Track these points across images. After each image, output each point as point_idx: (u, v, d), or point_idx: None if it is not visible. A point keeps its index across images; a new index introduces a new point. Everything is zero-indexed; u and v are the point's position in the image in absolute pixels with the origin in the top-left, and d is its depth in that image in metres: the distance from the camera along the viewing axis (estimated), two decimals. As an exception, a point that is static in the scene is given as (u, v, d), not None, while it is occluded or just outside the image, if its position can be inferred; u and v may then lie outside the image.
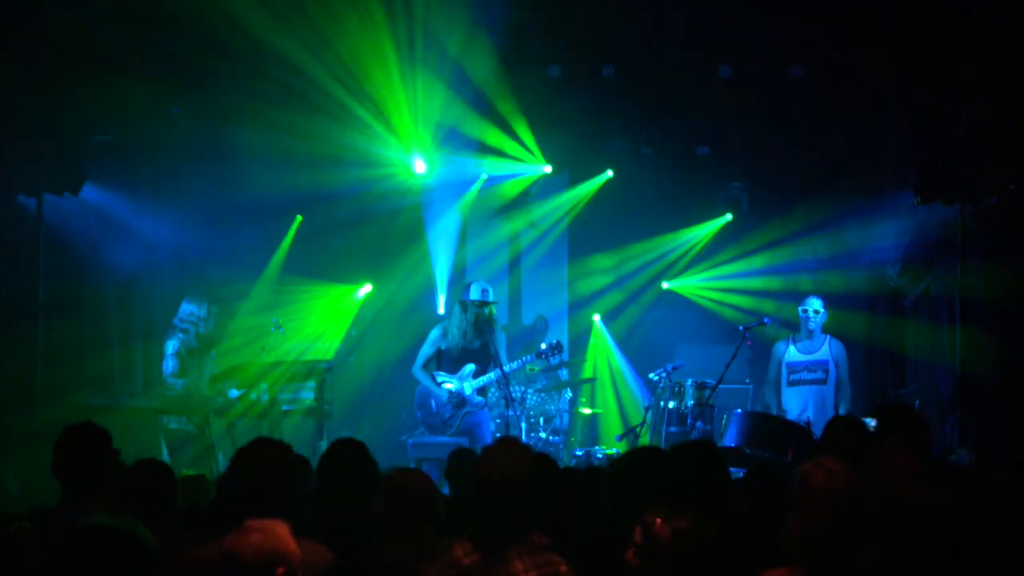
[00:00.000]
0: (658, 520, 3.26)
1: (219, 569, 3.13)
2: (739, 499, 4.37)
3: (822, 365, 9.04)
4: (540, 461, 4.04)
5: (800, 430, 8.07)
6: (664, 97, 10.46)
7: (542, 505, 3.53)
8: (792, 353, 9.14)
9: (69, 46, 8.46)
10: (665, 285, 11.58)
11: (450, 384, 8.97)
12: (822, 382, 9.03)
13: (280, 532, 3.21)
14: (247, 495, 3.63)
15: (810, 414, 8.73)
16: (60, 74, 8.53)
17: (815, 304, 9.09)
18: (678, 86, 10.25)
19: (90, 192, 9.17)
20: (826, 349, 9.08)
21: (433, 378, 9.03)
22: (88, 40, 8.50)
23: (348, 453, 4.44)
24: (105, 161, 9.34)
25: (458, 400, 8.93)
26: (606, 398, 11.20)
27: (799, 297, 9.35)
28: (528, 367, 9.25)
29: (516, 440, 3.88)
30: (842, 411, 8.92)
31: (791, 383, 9.13)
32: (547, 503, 3.62)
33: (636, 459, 4.23)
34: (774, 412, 8.90)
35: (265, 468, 3.67)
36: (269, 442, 3.83)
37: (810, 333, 9.08)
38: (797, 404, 9.01)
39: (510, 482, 3.43)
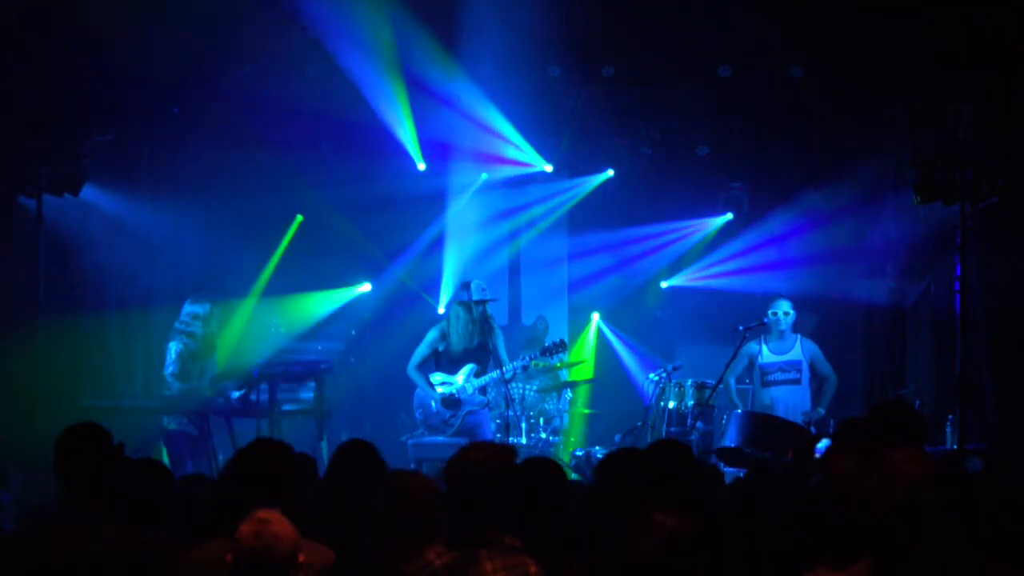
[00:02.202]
0: (662, 519, 3.27)
1: (243, 565, 3.11)
2: (738, 499, 4.38)
3: (795, 365, 9.17)
4: (531, 463, 4.06)
5: (800, 430, 8.10)
6: (664, 97, 10.45)
7: (515, 504, 3.52)
8: (765, 354, 9.26)
9: (69, 45, 8.46)
10: (665, 284, 11.58)
11: (445, 387, 8.95)
12: (796, 382, 9.19)
13: (287, 520, 3.22)
14: (247, 496, 3.58)
15: (782, 415, 8.80)
16: (60, 74, 8.52)
17: (784, 306, 9.21)
18: (678, 86, 10.23)
19: (90, 193, 9.16)
20: (798, 349, 9.21)
21: (427, 379, 9.02)
22: (88, 40, 8.50)
23: (358, 455, 4.45)
24: (105, 162, 9.33)
25: (452, 402, 8.91)
26: (606, 398, 11.18)
27: (796, 299, 9.37)
28: (534, 363, 9.26)
29: (496, 442, 3.90)
30: (824, 402, 9.10)
31: (765, 384, 9.25)
32: (521, 502, 3.61)
33: (617, 461, 4.23)
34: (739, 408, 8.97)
35: (265, 468, 3.66)
36: (269, 442, 3.83)
37: (780, 334, 9.15)
38: (771, 405, 9.07)
39: (479, 476, 3.42)
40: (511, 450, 3.63)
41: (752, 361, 9.31)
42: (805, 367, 9.18)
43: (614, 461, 4.22)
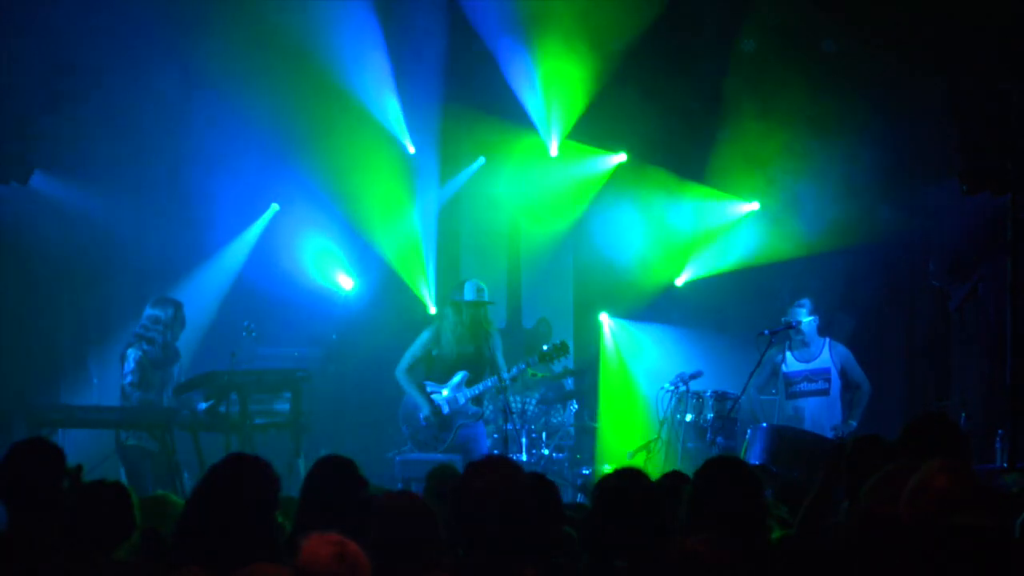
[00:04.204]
0: (697, 546, 3.22)
1: None
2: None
3: (822, 374, 9.08)
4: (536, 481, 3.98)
5: (834, 446, 8.01)
6: (683, 76, 10.41)
7: (532, 529, 3.45)
8: (790, 362, 9.17)
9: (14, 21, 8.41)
10: (680, 282, 11.49)
11: (433, 396, 8.87)
12: (824, 392, 9.08)
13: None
14: (221, 518, 3.60)
15: (809, 428, 8.72)
16: (4, 53, 8.48)
17: (799, 313, 9.06)
18: (699, 64, 10.20)
19: (40, 182, 9.10)
20: (826, 355, 9.11)
21: (418, 385, 8.94)
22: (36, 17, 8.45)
23: (335, 472, 4.39)
24: (57, 147, 9.27)
25: (441, 418, 8.82)
26: (616, 410, 11.15)
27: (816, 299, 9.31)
28: (530, 371, 9.19)
29: (504, 457, 3.84)
30: (857, 414, 8.99)
31: (790, 395, 9.17)
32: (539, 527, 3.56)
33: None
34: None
35: (242, 488, 3.64)
36: (245, 458, 3.83)
37: (803, 342, 9.10)
38: (797, 417, 9.00)
39: (496, 501, 3.35)
40: (518, 467, 3.57)
41: (776, 369, 9.23)
42: (835, 375, 9.07)
43: (610, 485, 4.12)
